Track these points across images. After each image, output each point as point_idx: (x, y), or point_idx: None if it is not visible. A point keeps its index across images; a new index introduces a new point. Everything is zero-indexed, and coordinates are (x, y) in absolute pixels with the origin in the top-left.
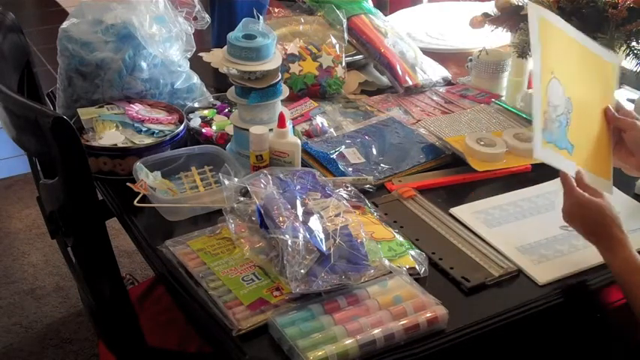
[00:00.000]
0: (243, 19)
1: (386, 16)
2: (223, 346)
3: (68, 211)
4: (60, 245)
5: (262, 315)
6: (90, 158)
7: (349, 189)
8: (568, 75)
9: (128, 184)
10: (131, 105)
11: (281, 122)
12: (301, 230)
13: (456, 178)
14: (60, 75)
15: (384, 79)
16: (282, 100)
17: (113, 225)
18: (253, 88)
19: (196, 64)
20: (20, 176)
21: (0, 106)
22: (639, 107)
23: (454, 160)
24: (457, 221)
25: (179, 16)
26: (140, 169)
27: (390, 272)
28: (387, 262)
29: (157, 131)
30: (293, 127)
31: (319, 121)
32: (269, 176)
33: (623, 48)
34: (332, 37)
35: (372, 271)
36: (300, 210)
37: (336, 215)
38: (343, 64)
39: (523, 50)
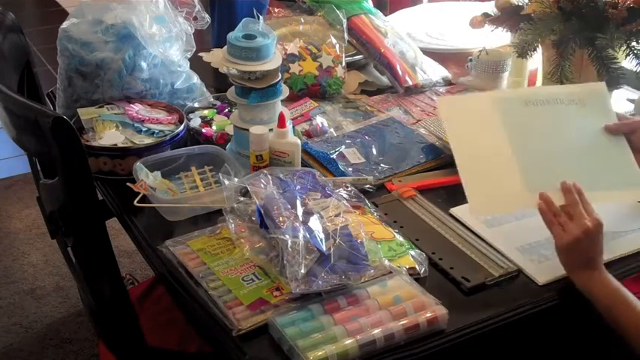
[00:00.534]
0: (243, 19)
1: (386, 16)
2: (223, 346)
3: (68, 211)
4: (60, 245)
5: (262, 315)
6: (90, 158)
7: (349, 189)
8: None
9: (128, 184)
10: (131, 105)
11: (281, 122)
12: (301, 230)
13: (456, 178)
14: (60, 75)
15: (384, 79)
16: (282, 100)
17: (113, 225)
18: (253, 88)
19: (196, 64)
20: (20, 176)
21: (0, 106)
22: (639, 107)
23: (454, 160)
24: (457, 221)
25: (179, 16)
26: (140, 169)
27: (390, 272)
28: (387, 262)
29: (157, 131)
30: (293, 127)
31: (319, 121)
32: (269, 176)
33: (623, 48)
34: (332, 37)
35: (372, 271)
36: (300, 210)
37: (336, 215)
38: (343, 64)
39: (523, 50)
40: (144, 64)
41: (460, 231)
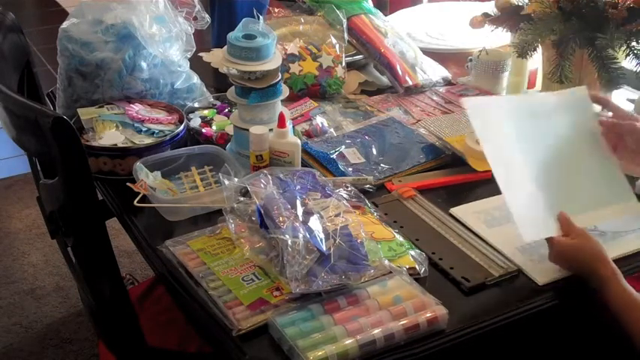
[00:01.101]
0: (243, 19)
1: (386, 16)
2: (223, 346)
3: (68, 211)
4: (60, 245)
5: (262, 315)
6: (90, 158)
7: (349, 189)
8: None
9: (128, 184)
10: (131, 105)
11: (281, 122)
12: (301, 230)
13: (456, 178)
14: (60, 75)
15: (384, 79)
16: (282, 100)
17: (113, 225)
18: (253, 88)
19: (196, 64)
20: (20, 176)
21: (0, 106)
22: (639, 107)
23: (454, 160)
24: (457, 221)
25: (179, 16)
26: (140, 169)
27: (390, 272)
28: (387, 262)
29: (157, 131)
30: (293, 127)
31: (319, 121)
32: (269, 176)
33: (623, 48)
34: (332, 37)
35: (372, 271)
36: (300, 210)
37: (336, 215)
38: (343, 64)
39: (523, 50)
40: (144, 64)
41: (460, 231)
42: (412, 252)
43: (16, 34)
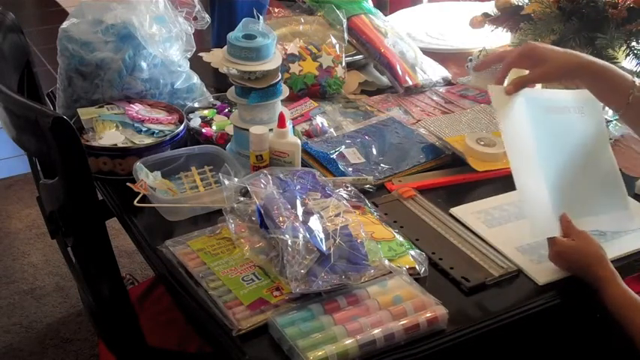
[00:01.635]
0: (243, 19)
1: (386, 16)
2: (223, 346)
3: (68, 211)
4: (60, 245)
5: (262, 315)
6: (90, 158)
7: (349, 189)
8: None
9: (128, 184)
10: (131, 105)
11: (281, 122)
12: (301, 230)
13: (456, 178)
14: (60, 75)
15: (384, 79)
16: (282, 100)
17: (113, 225)
18: (253, 88)
19: (196, 64)
20: (20, 176)
21: (0, 106)
22: None
23: (454, 160)
24: (457, 221)
25: (179, 16)
26: (140, 169)
27: (390, 272)
28: (387, 262)
29: (157, 131)
30: (293, 127)
31: (319, 121)
32: (269, 176)
33: (623, 48)
34: (332, 37)
35: (372, 271)
36: (300, 210)
37: (336, 215)
38: (343, 64)
39: None
40: (144, 64)
41: (460, 231)
42: (412, 252)
43: (16, 34)
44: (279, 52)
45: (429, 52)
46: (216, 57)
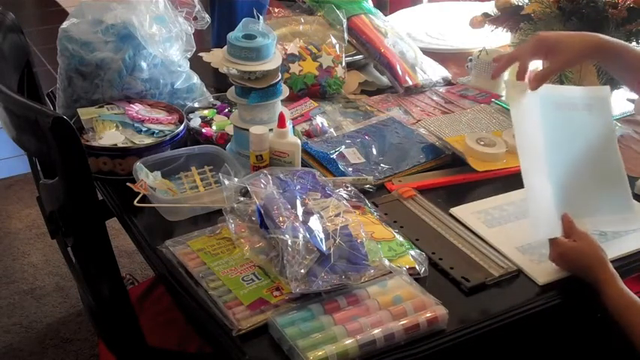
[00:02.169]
0: (243, 19)
1: (386, 16)
2: (223, 346)
3: (68, 211)
4: (60, 245)
5: (262, 315)
6: (90, 158)
7: (349, 189)
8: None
9: (128, 184)
10: (131, 105)
11: (281, 122)
12: (301, 230)
13: (456, 178)
14: (60, 75)
15: (384, 79)
16: (282, 100)
17: (113, 225)
18: (253, 88)
19: (196, 64)
20: (20, 176)
21: (0, 106)
22: (639, 107)
23: (454, 160)
24: (457, 221)
25: (179, 16)
26: (140, 169)
27: (390, 272)
28: (387, 262)
29: (157, 131)
30: (293, 127)
31: (319, 121)
32: (269, 176)
33: None
34: (332, 37)
35: (372, 271)
36: (300, 210)
37: (336, 215)
38: (343, 64)
39: None
40: (144, 64)
41: (460, 231)
42: (412, 252)
43: (16, 34)
44: (279, 52)
45: (429, 52)
46: (216, 57)
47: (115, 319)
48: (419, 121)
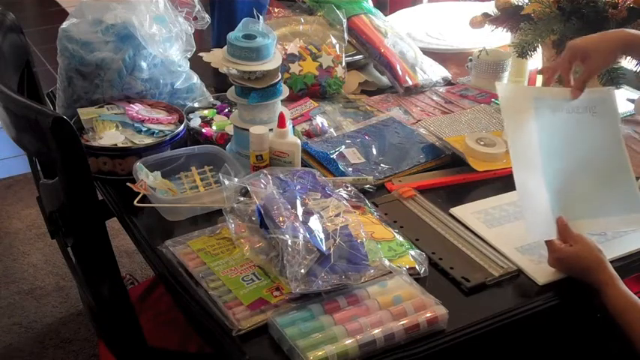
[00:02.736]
0: (243, 19)
1: (386, 16)
2: (223, 346)
3: (68, 211)
4: (60, 245)
5: (262, 315)
6: (90, 158)
7: (349, 189)
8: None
9: (128, 184)
10: (131, 105)
11: (281, 122)
12: (301, 230)
13: (456, 178)
14: (60, 75)
15: (384, 79)
16: (282, 100)
17: (113, 225)
18: (253, 88)
19: (196, 64)
20: (20, 176)
21: (0, 106)
22: (639, 107)
23: (454, 160)
24: (457, 221)
25: (179, 16)
26: (140, 169)
27: (390, 272)
28: (387, 262)
29: (157, 131)
30: (293, 127)
31: (319, 121)
32: (269, 176)
33: None
34: (332, 37)
35: (372, 271)
36: (300, 210)
37: (336, 215)
38: (343, 64)
39: (523, 50)
40: (144, 64)
41: (460, 231)
42: (412, 252)
43: (16, 34)
44: (279, 52)
45: (429, 52)
46: (216, 57)
47: (115, 319)
48: (419, 121)
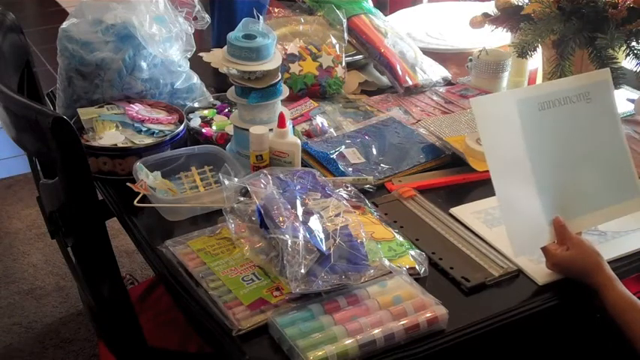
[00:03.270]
0: (243, 19)
1: (386, 16)
2: (223, 346)
3: (68, 211)
4: (60, 245)
5: (262, 315)
6: (90, 158)
7: (349, 189)
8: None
9: (128, 184)
10: (131, 105)
11: (281, 122)
12: (301, 230)
13: (456, 178)
14: (60, 75)
15: (384, 79)
16: (282, 100)
17: (113, 225)
18: (253, 88)
19: (196, 64)
20: (20, 176)
21: (0, 106)
22: (639, 107)
23: (454, 160)
24: (457, 221)
25: (179, 16)
26: (140, 169)
27: (390, 272)
28: (387, 262)
29: (157, 131)
30: (293, 127)
31: (319, 121)
32: (269, 176)
33: (623, 48)
34: (332, 37)
35: (372, 271)
36: (300, 210)
37: (336, 215)
38: (343, 64)
39: (523, 50)
40: (144, 64)
41: (460, 231)
42: (412, 252)
43: (16, 34)
44: (279, 52)
45: (429, 52)
46: (216, 57)
47: (115, 319)
48: (419, 121)
